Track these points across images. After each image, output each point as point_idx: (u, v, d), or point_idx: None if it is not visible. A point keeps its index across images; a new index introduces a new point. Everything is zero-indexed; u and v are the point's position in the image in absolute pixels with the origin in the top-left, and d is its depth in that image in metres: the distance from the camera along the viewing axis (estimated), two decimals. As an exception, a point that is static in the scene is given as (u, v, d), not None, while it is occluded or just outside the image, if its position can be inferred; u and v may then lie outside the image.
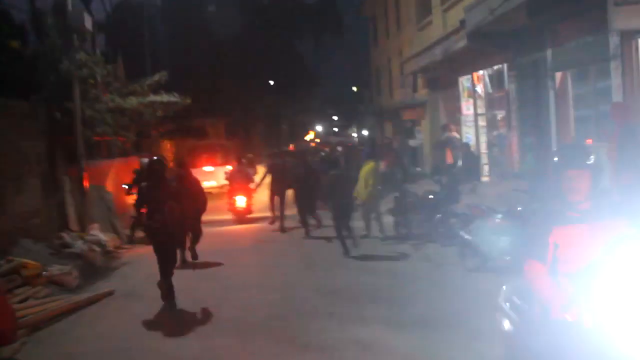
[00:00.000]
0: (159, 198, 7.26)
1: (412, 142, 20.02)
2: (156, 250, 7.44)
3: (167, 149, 24.20)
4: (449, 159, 15.00)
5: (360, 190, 10.73)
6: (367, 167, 10.87)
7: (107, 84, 15.59)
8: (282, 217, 12.75)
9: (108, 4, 37.96)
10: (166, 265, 7.39)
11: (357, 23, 40.80)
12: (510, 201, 8.17)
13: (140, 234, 12.93)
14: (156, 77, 15.58)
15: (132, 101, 14.55)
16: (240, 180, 14.35)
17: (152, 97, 14.75)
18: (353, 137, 77.40)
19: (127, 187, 13.25)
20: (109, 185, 14.55)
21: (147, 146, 24.94)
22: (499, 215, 7.95)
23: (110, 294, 8.24)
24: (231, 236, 13.34)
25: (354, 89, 59.60)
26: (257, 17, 41.15)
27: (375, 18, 29.43)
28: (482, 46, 12.10)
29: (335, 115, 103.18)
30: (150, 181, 7.64)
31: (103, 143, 15.18)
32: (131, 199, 13.62)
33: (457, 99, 16.06)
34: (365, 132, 59.40)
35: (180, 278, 7.88)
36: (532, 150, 9.91)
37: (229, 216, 14.66)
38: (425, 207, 10.80)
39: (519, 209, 7.79)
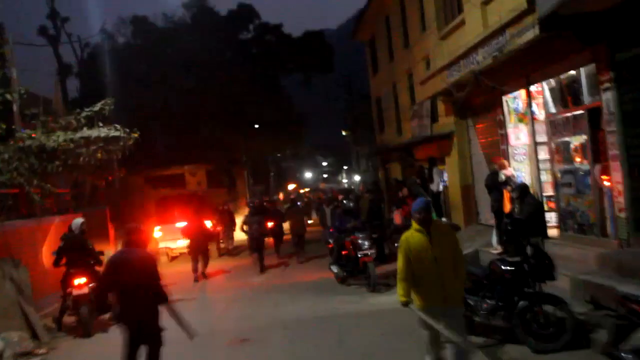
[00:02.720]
0: None
1: (432, 186, 15.84)
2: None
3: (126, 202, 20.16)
4: (506, 207, 10.80)
5: (434, 281, 5.08)
6: (442, 233, 5.25)
7: (32, 116, 11.73)
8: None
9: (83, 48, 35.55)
10: None
11: (351, 56, 37.40)
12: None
13: (70, 319, 9.79)
14: (96, 107, 11.57)
15: (58, 138, 10.52)
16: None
17: (86, 132, 10.69)
18: (343, 183, 73.62)
19: (55, 255, 10.00)
20: (28, 257, 10.54)
21: (109, 196, 21.02)
22: None
23: None
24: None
25: (344, 132, 55.59)
26: (239, 54, 37.77)
27: (374, 40, 24.98)
28: (560, 37, 8.26)
29: (324, 161, 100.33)
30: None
31: (21, 197, 11.02)
32: (60, 271, 9.89)
33: (500, 125, 12.11)
34: (357, 178, 55.27)
35: None
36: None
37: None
38: (497, 286, 6.85)
39: None
